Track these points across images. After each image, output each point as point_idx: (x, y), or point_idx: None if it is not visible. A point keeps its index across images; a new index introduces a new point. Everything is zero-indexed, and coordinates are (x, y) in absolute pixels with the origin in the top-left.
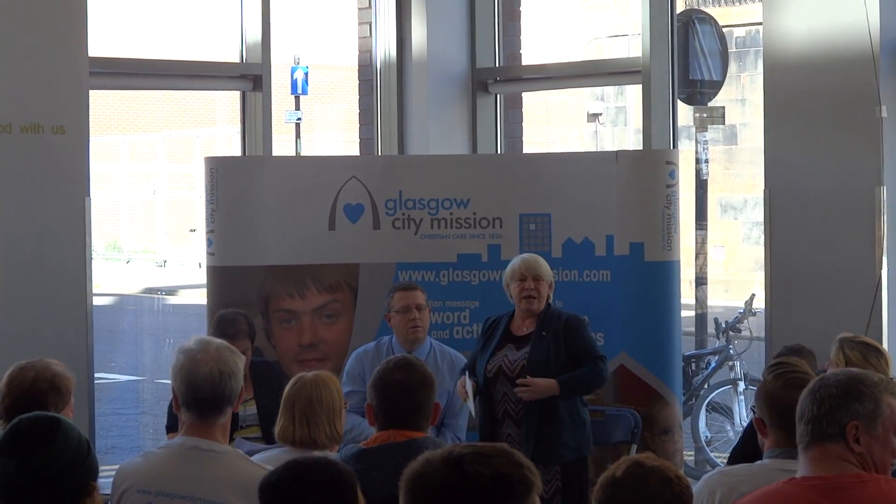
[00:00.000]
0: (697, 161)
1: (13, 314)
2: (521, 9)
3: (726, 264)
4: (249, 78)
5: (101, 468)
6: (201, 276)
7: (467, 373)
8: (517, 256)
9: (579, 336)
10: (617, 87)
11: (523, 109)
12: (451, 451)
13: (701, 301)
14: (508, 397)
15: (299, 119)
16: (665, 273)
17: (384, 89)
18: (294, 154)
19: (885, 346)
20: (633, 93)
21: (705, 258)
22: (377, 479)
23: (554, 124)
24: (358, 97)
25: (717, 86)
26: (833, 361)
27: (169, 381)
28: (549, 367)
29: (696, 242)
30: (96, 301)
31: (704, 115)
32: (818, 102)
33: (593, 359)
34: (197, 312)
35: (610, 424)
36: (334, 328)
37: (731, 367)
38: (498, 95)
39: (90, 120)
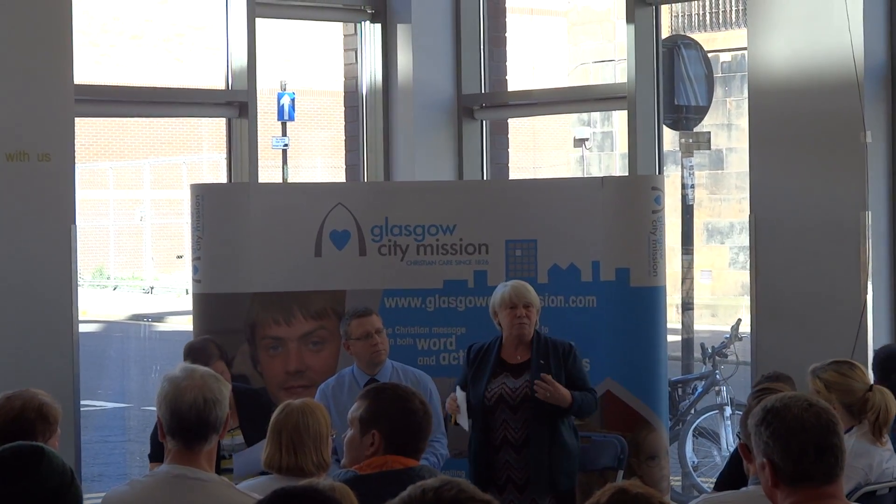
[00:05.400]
0: (683, 186)
1: None
2: (506, 35)
3: (713, 289)
4: (235, 105)
5: (88, 496)
6: (188, 303)
7: (459, 387)
8: (504, 284)
9: (577, 366)
10: (603, 112)
11: (509, 135)
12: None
13: (687, 326)
14: (508, 424)
15: (286, 145)
16: (651, 298)
17: (370, 116)
18: (281, 180)
19: (870, 370)
20: (620, 118)
21: (692, 283)
22: None
23: (541, 150)
24: (344, 123)
25: (702, 111)
26: (813, 392)
27: (155, 409)
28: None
29: (683, 267)
30: (83, 328)
31: (690, 140)
32: (804, 127)
33: (588, 390)
34: (184, 339)
35: (596, 450)
36: (321, 355)
37: (718, 393)
38: (484, 121)
39: (76, 147)
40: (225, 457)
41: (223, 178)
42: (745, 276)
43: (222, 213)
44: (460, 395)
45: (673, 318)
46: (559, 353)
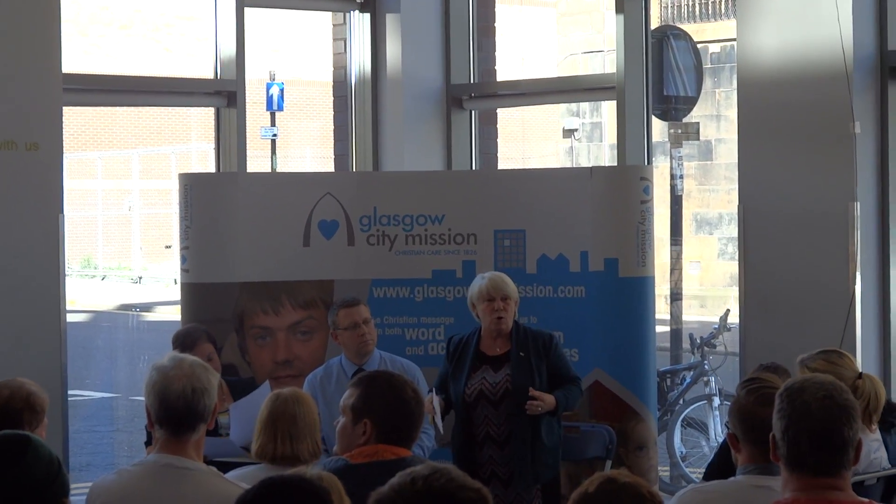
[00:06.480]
0: (672, 177)
1: None
2: (495, 25)
3: (701, 279)
4: (224, 94)
5: (76, 486)
6: (177, 293)
7: (435, 390)
8: (482, 276)
9: (558, 356)
10: (593, 102)
11: (498, 125)
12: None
13: (676, 316)
14: (490, 420)
15: (275, 135)
16: (639, 289)
17: (359, 105)
18: (270, 170)
19: (858, 361)
20: (609, 108)
21: (680, 273)
22: (366, 497)
23: (529, 140)
24: (333, 113)
25: (691, 102)
26: None
27: (143, 398)
28: (534, 387)
29: (671, 258)
30: (71, 318)
31: (679, 130)
32: (792, 118)
33: (572, 378)
34: (172, 329)
35: (585, 440)
36: (309, 345)
37: (706, 383)
38: (473, 111)
39: (64, 136)
40: (221, 434)
41: (212, 168)
42: (733, 267)
43: (211, 203)
44: (435, 400)
45: (661, 309)
46: (539, 344)
